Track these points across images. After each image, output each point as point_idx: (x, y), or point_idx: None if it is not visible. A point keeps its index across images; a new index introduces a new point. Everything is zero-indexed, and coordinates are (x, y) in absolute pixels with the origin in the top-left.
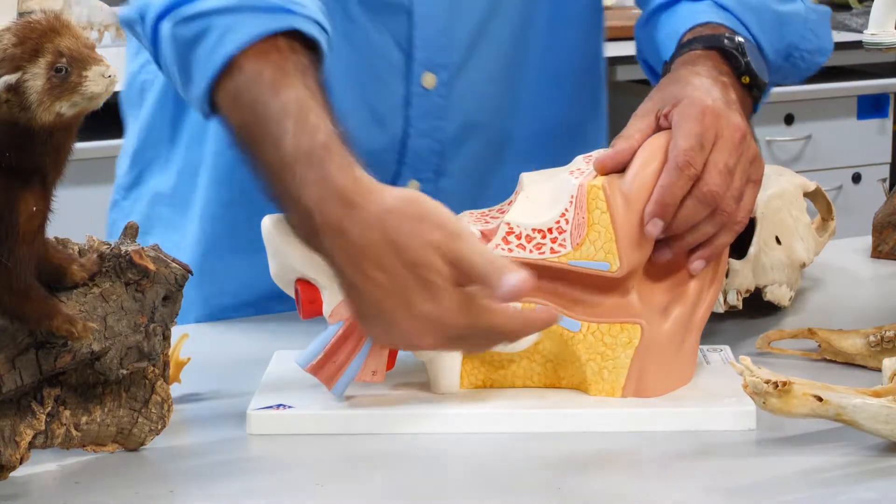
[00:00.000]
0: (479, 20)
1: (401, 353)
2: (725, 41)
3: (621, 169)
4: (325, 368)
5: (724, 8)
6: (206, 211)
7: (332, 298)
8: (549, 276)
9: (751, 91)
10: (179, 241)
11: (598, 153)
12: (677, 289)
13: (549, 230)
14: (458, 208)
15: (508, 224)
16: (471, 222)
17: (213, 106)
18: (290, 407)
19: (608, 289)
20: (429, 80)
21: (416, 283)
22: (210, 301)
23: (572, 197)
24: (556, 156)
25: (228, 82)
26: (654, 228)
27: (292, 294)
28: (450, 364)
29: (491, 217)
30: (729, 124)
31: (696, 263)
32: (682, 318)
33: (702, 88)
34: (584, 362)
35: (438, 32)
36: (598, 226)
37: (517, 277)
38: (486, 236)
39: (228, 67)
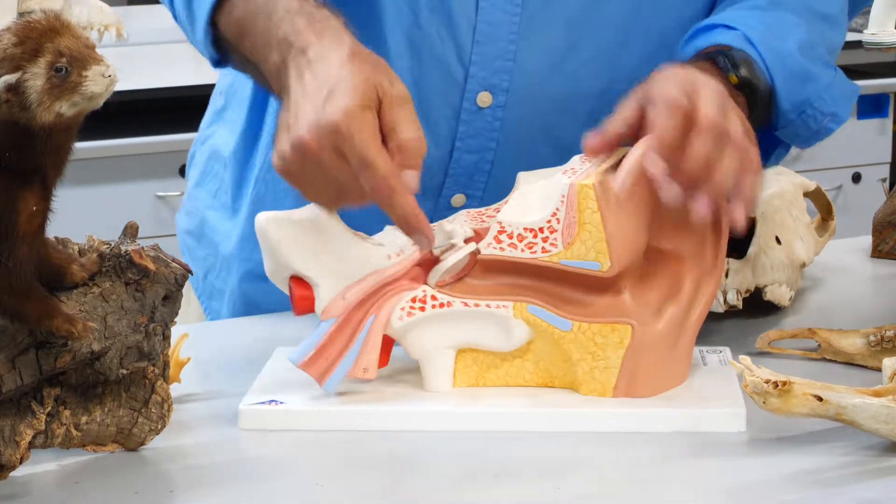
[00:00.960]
0: (552, 52)
1: (395, 352)
2: (722, 57)
3: (608, 149)
4: (317, 364)
5: (751, 43)
6: (261, 175)
7: (325, 295)
8: (540, 275)
9: (742, 91)
10: (233, 201)
11: None
12: (672, 289)
13: (541, 229)
14: None
15: (500, 223)
16: (466, 221)
17: (219, 50)
18: (281, 403)
19: (599, 288)
20: (484, 98)
21: (337, 93)
22: (247, 263)
23: (563, 196)
24: None
25: (227, 14)
26: (653, 165)
27: (286, 291)
28: (443, 363)
29: (487, 216)
30: (707, 82)
31: (738, 214)
32: (677, 318)
33: (680, 70)
34: (576, 362)
35: (500, 54)
36: (588, 225)
37: (411, 173)
38: (480, 235)
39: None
